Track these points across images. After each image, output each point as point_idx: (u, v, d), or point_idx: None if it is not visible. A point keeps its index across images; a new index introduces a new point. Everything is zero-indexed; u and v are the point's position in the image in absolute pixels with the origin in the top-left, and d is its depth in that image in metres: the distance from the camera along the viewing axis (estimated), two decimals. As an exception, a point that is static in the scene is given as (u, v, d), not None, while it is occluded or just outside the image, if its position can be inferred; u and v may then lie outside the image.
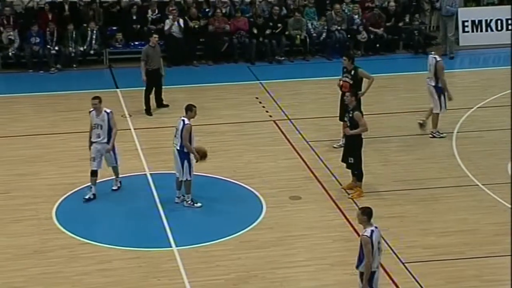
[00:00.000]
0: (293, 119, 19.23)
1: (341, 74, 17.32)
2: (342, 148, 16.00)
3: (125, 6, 24.33)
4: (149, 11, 24.12)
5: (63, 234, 14.15)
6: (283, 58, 24.05)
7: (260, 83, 22.05)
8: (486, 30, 25.66)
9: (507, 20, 25.31)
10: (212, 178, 16.00)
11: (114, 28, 24.15)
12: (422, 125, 18.12)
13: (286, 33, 24.11)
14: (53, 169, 16.69)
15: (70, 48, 23.31)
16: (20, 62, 23.33)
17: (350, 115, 15.18)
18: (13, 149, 17.80)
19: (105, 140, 15.07)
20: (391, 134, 18.38)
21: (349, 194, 15.40)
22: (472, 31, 25.64)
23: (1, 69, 23.38)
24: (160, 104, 20.07)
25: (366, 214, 11.02)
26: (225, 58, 23.97)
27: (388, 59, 24.30)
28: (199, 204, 15.02)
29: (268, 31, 23.88)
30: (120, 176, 15.76)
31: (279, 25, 24.11)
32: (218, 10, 24.02)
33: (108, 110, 15.20)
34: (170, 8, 23.76)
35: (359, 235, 11.48)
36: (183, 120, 14.72)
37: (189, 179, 14.83)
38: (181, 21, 23.47)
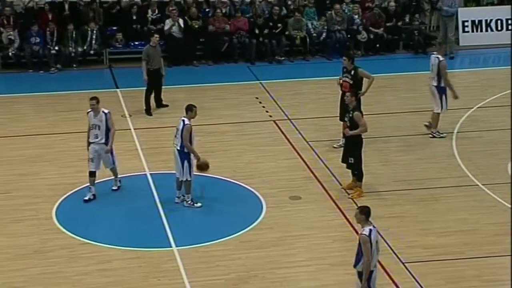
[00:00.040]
0: (293, 119, 19.23)
1: (341, 74, 17.32)
2: (342, 148, 16.00)
3: (125, 6, 24.34)
4: (149, 11, 24.13)
5: (63, 234, 14.15)
6: (283, 58, 24.05)
7: (260, 83, 22.05)
8: (486, 30, 25.67)
9: (507, 20, 25.31)
10: (212, 178, 15.99)
11: (114, 28, 24.16)
12: (428, 127, 18.11)
13: (286, 33, 24.12)
14: (53, 169, 16.69)
15: (70, 48, 23.32)
16: (20, 62, 23.33)
17: (350, 115, 15.18)
18: (13, 149, 17.80)
19: (103, 141, 15.05)
20: (391, 134, 18.38)
21: (349, 194, 15.40)
22: (472, 31, 25.65)
23: (1, 69, 23.39)
24: (159, 104, 20.07)
25: (364, 213, 11.04)
26: (225, 58, 23.97)
27: (388, 59, 24.31)
28: (199, 204, 15.02)
29: (266, 31, 23.84)
30: (120, 176, 15.76)
31: (279, 25, 24.12)
32: (218, 10, 24.02)
33: (106, 111, 15.17)
34: (170, 8, 23.77)
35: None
36: (183, 120, 14.72)
37: (189, 179, 14.83)
38: (181, 21, 23.47)
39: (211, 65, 23.77)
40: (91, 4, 24.19)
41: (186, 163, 14.70)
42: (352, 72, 17.05)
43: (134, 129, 18.79)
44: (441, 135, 18.06)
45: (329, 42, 24.37)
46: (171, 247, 13.68)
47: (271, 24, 24.10)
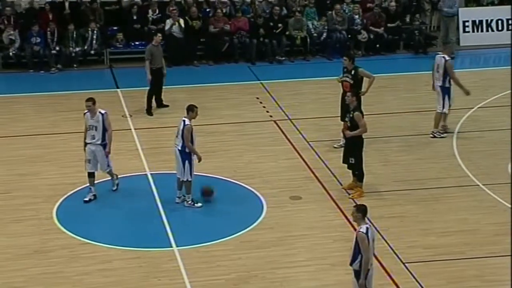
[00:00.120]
0: (294, 119, 19.23)
1: (341, 74, 17.32)
2: (343, 148, 15.99)
3: (125, 6, 24.35)
4: (150, 11, 24.13)
5: (63, 234, 14.15)
6: (283, 58, 24.05)
7: (261, 83, 22.05)
8: (487, 30, 25.67)
9: (507, 20, 25.32)
10: (213, 178, 15.99)
11: (115, 28, 24.16)
12: (445, 129, 18.13)
13: (287, 33, 24.12)
14: (54, 169, 16.69)
15: (71, 48, 23.33)
16: (21, 62, 23.33)
17: (351, 115, 15.17)
18: (13, 149, 17.80)
19: (99, 142, 15.00)
20: (392, 134, 18.38)
21: (349, 194, 15.40)
22: (473, 31, 25.65)
23: (1, 69, 23.39)
24: (160, 104, 20.07)
25: (361, 211, 11.06)
26: (226, 58, 23.98)
27: (388, 59, 24.30)
28: (199, 204, 15.03)
29: (262, 31, 23.79)
30: (121, 176, 15.76)
31: (280, 25, 24.12)
32: (219, 10, 24.02)
33: (103, 111, 15.11)
34: (171, 8, 23.77)
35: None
36: (184, 121, 14.73)
37: (189, 179, 14.83)
38: (181, 21, 23.48)
39: (212, 65, 23.78)
40: (92, 4, 24.18)
41: (187, 163, 14.70)
42: (353, 72, 17.05)
43: (135, 129, 18.79)
44: (442, 135, 18.06)
45: (330, 42, 24.37)
46: (171, 247, 13.68)
47: (271, 24, 24.10)
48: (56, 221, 14.59)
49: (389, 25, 24.80)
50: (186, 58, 23.64)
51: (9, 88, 22.14)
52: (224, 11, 24.32)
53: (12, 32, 23.17)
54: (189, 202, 15.00)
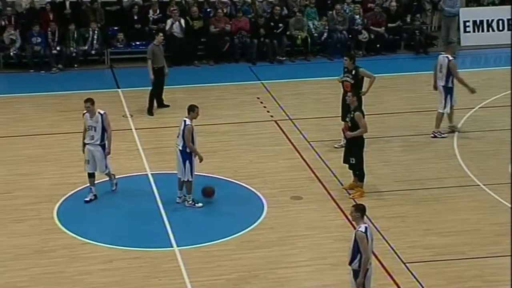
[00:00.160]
0: (294, 119, 19.23)
1: (342, 74, 17.31)
2: (343, 149, 15.99)
3: (126, 6, 24.35)
4: (150, 11, 24.14)
5: (64, 234, 14.15)
6: (284, 58, 24.06)
7: (261, 83, 22.05)
8: (488, 30, 25.67)
9: (508, 20, 25.31)
10: (213, 178, 15.99)
11: (116, 28, 24.16)
12: (453, 129, 18.13)
13: (288, 33, 24.12)
14: (55, 169, 16.69)
15: (72, 48, 23.33)
16: (22, 62, 23.33)
17: (351, 115, 15.17)
18: (14, 149, 17.80)
19: (98, 142, 14.98)
20: (393, 134, 18.38)
21: (350, 194, 15.39)
22: (474, 31, 25.65)
23: (2, 69, 23.40)
24: (161, 104, 20.07)
25: (360, 210, 11.06)
26: (226, 58, 23.97)
27: (389, 59, 24.30)
28: (200, 204, 15.03)
29: (262, 31, 23.80)
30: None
31: (280, 25, 24.12)
32: (220, 11, 24.02)
33: (102, 112, 15.08)
34: (171, 8, 23.78)
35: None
36: (185, 121, 14.73)
37: (190, 179, 14.83)
38: (182, 21, 23.49)
39: (212, 65, 23.78)
40: (93, 4, 24.18)
41: (187, 163, 14.71)
42: (353, 72, 17.04)
43: (135, 129, 18.79)
44: (443, 135, 18.06)
45: (330, 42, 24.38)
46: (172, 247, 13.68)
47: (272, 24, 24.10)
48: (57, 221, 14.59)
49: (389, 25, 24.80)
50: (186, 58, 23.63)
51: (10, 88, 22.14)
52: (225, 11, 24.32)
53: (13, 32, 23.17)
54: (190, 202, 15.00)
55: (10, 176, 16.49)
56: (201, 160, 14.84)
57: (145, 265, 13.17)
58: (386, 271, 12.86)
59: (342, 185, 15.77)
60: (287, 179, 16.15)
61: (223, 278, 12.77)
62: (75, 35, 23.36)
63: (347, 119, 15.41)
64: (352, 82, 16.96)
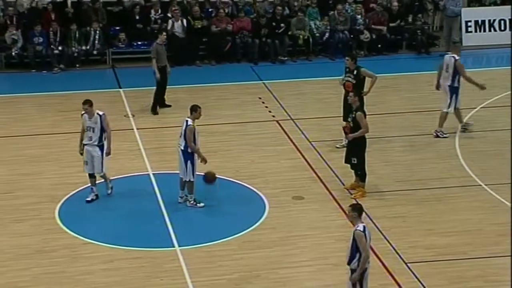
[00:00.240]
0: (296, 119, 19.22)
1: (343, 74, 17.31)
2: (345, 149, 15.98)
3: (128, 6, 24.36)
4: (152, 11, 24.15)
5: (65, 234, 14.15)
6: (286, 58, 24.06)
7: (263, 83, 22.05)
8: (490, 30, 25.66)
9: (510, 20, 25.28)
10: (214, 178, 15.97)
11: (117, 28, 24.16)
12: (465, 128, 18.14)
13: (289, 33, 24.12)
14: (56, 169, 16.69)
15: (73, 48, 23.34)
16: (23, 62, 23.35)
17: (353, 115, 15.16)
18: (15, 149, 17.81)
19: (96, 143, 14.95)
20: (394, 134, 18.37)
21: (351, 194, 15.38)
22: (475, 31, 25.64)
23: (4, 69, 23.41)
24: (162, 104, 20.06)
25: (357, 210, 11.05)
26: (228, 58, 23.98)
27: (391, 59, 24.29)
28: (201, 204, 15.02)
29: (264, 30, 23.79)
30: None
31: (282, 25, 24.11)
32: (221, 11, 24.02)
33: (101, 113, 15.01)
34: (173, 8, 23.78)
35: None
36: (187, 121, 14.73)
37: (192, 179, 14.83)
38: (183, 21, 23.49)
39: (214, 65, 23.78)
40: (94, 4, 24.19)
41: (189, 163, 14.70)
42: (355, 72, 17.03)
43: (137, 129, 18.79)
44: (444, 135, 18.05)
45: (332, 42, 24.37)
46: (173, 247, 13.68)
47: (274, 24, 24.10)
48: (58, 221, 14.59)
49: (391, 24, 24.80)
50: (188, 58, 23.63)
51: (12, 88, 22.15)
52: (226, 11, 24.32)
53: (14, 32, 23.19)
54: (192, 202, 15.00)
55: (11, 176, 16.49)
56: (204, 161, 14.78)
57: (146, 265, 13.17)
58: (388, 271, 12.85)
59: (343, 185, 15.77)
60: (288, 179, 16.15)
61: (225, 278, 12.76)
62: (77, 35, 23.38)
63: (349, 119, 15.40)
64: (354, 82, 16.96)
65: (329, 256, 13.30)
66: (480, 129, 18.50)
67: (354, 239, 10.87)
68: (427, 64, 22.51)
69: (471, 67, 23.78)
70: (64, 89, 21.47)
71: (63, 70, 23.18)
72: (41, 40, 23.12)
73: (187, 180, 14.83)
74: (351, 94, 15.61)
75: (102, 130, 14.92)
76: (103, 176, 15.29)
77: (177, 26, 23.40)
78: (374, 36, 24.54)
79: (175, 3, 24.13)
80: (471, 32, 25.56)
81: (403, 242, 13.73)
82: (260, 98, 20.81)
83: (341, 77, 17.37)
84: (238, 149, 17.67)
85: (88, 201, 15.16)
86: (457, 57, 17.92)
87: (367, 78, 17.22)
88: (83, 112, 15.02)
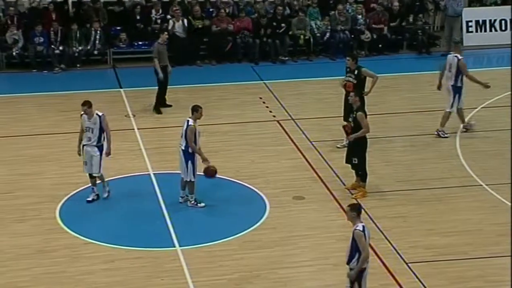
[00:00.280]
0: (297, 119, 19.22)
1: (344, 74, 17.31)
2: (346, 149, 15.97)
3: (129, 6, 24.36)
4: (153, 11, 24.15)
5: (66, 234, 14.16)
6: (286, 58, 24.06)
7: (264, 83, 22.05)
8: (490, 30, 25.65)
9: (511, 20, 25.28)
10: (216, 178, 15.95)
11: (118, 28, 24.17)
12: (467, 128, 18.16)
13: (290, 33, 24.12)
14: (57, 169, 16.69)
15: (74, 48, 23.35)
16: (24, 62, 23.36)
17: (354, 115, 15.16)
18: (16, 149, 17.81)
19: (95, 143, 14.94)
20: (395, 134, 18.37)
21: (352, 194, 15.38)
22: (476, 31, 25.64)
23: (5, 69, 23.42)
24: (163, 104, 20.06)
25: (355, 210, 11.07)
26: (229, 58, 23.98)
27: (391, 59, 24.29)
28: (202, 204, 15.02)
29: (268, 31, 23.85)
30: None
31: (283, 25, 24.12)
32: (222, 10, 24.03)
33: (100, 113, 14.98)
34: (174, 8, 23.78)
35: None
36: (188, 121, 14.73)
37: (192, 180, 14.83)
38: (184, 20, 23.49)
39: (215, 65, 23.79)
40: (95, 4, 24.19)
41: (190, 163, 14.70)
42: (356, 72, 17.04)
43: (138, 129, 18.79)
44: (445, 135, 18.05)
45: (333, 42, 24.37)
46: (174, 247, 13.68)
47: (274, 24, 24.10)
48: (59, 221, 14.59)
49: (391, 24, 24.80)
50: (189, 58, 23.64)
51: (12, 88, 22.15)
52: (227, 11, 24.32)
53: (15, 32, 23.21)
54: (192, 202, 15.00)
55: (11, 176, 16.50)
56: (206, 161, 14.76)
57: (147, 265, 13.17)
58: (388, 271, 12.85)
59: (344, 185, 15.76)
60: (289, 179, 16.15)
61: (225, 278, 12.76)
62: (78, 35, 23.39)
63: (350, 119, 15.40)
64: (355, 82, 16.96)
65: (330, 256, 13.29)
66: (481, 129, 18.50)
67: (353, 239, 10.88)
68: (428, 64, 22.51)
69: (471, 67, 23.63)
70: (65, 89, 21.48)
71: (64, 70, 23.19)
72: (42, 40, 23.14)
73: (188, 180, 14.84)
74: (352, 94, 15.61)
75: (101, 130, 14.91)
76: (100, 177, 15.23)
77: (178, 26, 23.41)
78: (375, 36, 24.54)
79: (176, 3, 24.13)
80: (471, 32, 25.56)
81: (403, 242, 13.73)
82: (260, 98, 20.82)
83: (340, 80, 17.36)
84: (238, 149, 17.67)
85: (88, 201, 15.17)
86: (460, 57, 17.93)
87: (368, 78, 17.22)
88: (82, 112, 15.01)
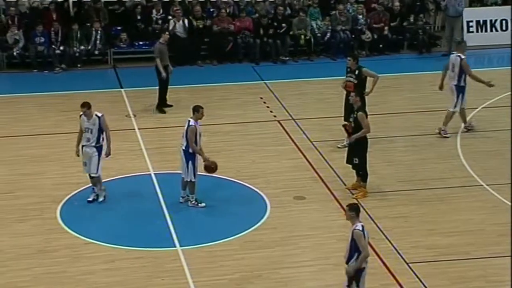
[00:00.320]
0: (298, 119, 19.22)
1: (345, 74, 17.31)
2: (347, 149, 15.96)
3: (129, 6, 24.36)
4: (154, 11, 24.14)
5: (67, 234, 14.15)
6: (287, 58, 24.05)
7: (265, 83, 22.05)
8: (491, 30, 25.64)
9: (511, 20, 25.27)
10: (216, 178, 15.97)
11: (119, 28, 24.16)
12: (468, 128, 18.15)
13: (291, 33, 24.12)
14: (57, 169, 16.69)
15: (75, 48, 23.34)
16: (25, 62, 23.34)
17: (355, 115, 15.15)
18: (17, 148, 17.81)
19: (94, 144, 14.90)
20: (396, 134, 18.37)
21: (353, 194, 15.37)
22: (477, 31, 25.63)
23: (6, 69, 23.41)
24: (164, 103, 20.05)
25: (354, 210, 11.08)
26: (230, 58, 23.97)
27: (392, 59, 24.28)
28: (203, 204, 15.02)
29: (270, 31, 23.87)
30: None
31: (284, 25, 24.11)
32: (223, 10, 24.03)
33: (100, 114, 14.94)
34: (175, 8, 23.78)
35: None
36: (189, 121, 14.73)
37: (193, 180, 14.82)
38: (185, 20, 23.49)
39: (216, 65, 23.78)
40: (96, 4, 24.19)
41: (190, 163, 14.70)
42: (356, 72, 17.03)
43: (138, 129, 18.78)
44: (446, 135, 18.03)
45: (334, 42, 24.36)
46: (175, 247, 13.67)
47: (275, 24, 24.09)
48: (60, 221, 14.59)
49: (392, 24, 24.79)
50: (190, 58, 23.62)
51: (13, 88, 22.15)
52: (228, 11, 24.32)
53: (16, 32, 23.19)
54: (193, 202, 15.00)
55: (12, 176, 16.49)
56: (208, 161, 14.76)
57: (148, 265, 13.17)
58: (389, 271, 12.84)
59: (345, 185, 15.76)
60: (290, 179, 16.14)
61: (226, 278, 12.76)
62: (78, 35, 23.37)
63: (351, 119, 15.39)
64: (356, 82, 16.96)
65: (331, 256, 13.29)
66: (481, 129, 18.50)
67: (353, 239, 10.89)
68: (429, 64, 22.51)
69: (472, 67, 23.51)
70: (66, 89, 21.46)
71: (65, 70, 23.18)
72: (42, 40, 23.12)
73: (189, 180, 14.83)
74: (352, 94, 15.61)
75: (100, 131, 14.88)
76: (98, 180, 15.11)
77: (179, 26, 23.40)
78: (375, 36, 24.52)
79: (176, 3, 24.13)
80: (472, 32, 25.54)
81: (405, 242, 13.72)
82: (261, 98, 20.81)
83: (343, 80, 17.36)
84: (239, 149, 17.66)
85: (89, 201, 15.16)
86: (463, 56, 17.94)
87: (368, 78, 17.22)
88: (81, 113, 14.99)
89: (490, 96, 20.03)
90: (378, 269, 12.75)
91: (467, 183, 15.94)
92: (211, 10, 24.46)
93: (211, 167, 14.92)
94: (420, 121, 19.03)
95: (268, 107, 20.19)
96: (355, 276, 10.99)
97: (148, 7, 24.39)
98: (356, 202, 11.49)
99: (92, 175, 15.04)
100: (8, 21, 23.51)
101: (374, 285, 12.11)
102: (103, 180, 15.38)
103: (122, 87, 21.80)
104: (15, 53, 23.19)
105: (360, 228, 10.91)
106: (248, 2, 24.91)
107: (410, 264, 13.05)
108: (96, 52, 23.61)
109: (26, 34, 23.36)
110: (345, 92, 17.17)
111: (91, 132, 14.88)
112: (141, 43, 23.80)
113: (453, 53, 18.53)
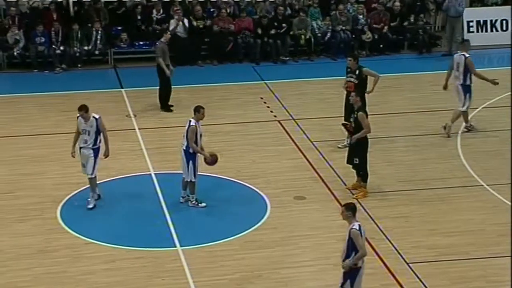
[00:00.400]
0: (298, 119, 19.22)
1: (345, 74, 17.30)
2: (347, 149, 15.96)
3: (129, 6, 24.36)
4: (154, 11, 24.14)
5: (67, 234, 14.15)
6: (287, 58, 24.05)
7: (265, 83, 22.05)
8: (491, 31, 25.64)
9: (512, 20, 25.32)
10: (217, 178, 15.98)
11: (119, 28, 24.17)
12: (470, 129, 18.19)
13: (291, 33, 24.12)
14: (58, 169, 16.68)
15: (75, 48, 23.34)
16: (25, 62, 23.35)
17: (355, 115, 15.15)
18: (17, 148, 17.81)
19: (91, 145, 14.87)
20: (397, 134, 18.36)
21: (353, 194, 15.37)
22: (477, 31, 25.62)
23: (6, 69, 23.41)
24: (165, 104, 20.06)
25: (351, 209, 11.08)
26: (230, 58, 23.97)
27: (393, 59, 24.28)
28: (203, 204, 15.02)
29: (272, 31, 23.89)
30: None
31: (284, 25, 24.11)
32: (223, 11, 24.03)
33: (97, 116, 14.89)
34: (175, 8, 23.78)
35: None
36: (190, 121, 14.73)
37: (193, 180, 14.82)
38: (185, 21, 23.49)
39: (216, 65, 23.78)
40: (96, 4, 24.19)
41: (191, 164, 14.70)
42: (357, 72, 17.03)
43: (139, 129, 18.78)
44: (448, 135, 18.02)
45: (334, 42, 24.36)
46: (175, 247, 13.67)
47: (275, 24, 24.10)
48: (60, 221, 14.59)
49: (392, 24, 24.79)
50: (190, 58, 23.63)
51: (14, 88, 22.15)
52: (228, 11, 24.32)
53: (16, 32, 23.19)
54: (193, 202, 15.00)
55: (12, 176, 16.49)
56: (205, 159, 14.77)
57: (148, 265, 13.17)
58: (390, 271, 12.84)
59: (345, 185, 15.76)
60: (290, 179, 16.14)
61: (226, 278, 12.76)
62: (79, 35, 23.37)
63: (351, 119, 15.39)
64: (356, 82, 16.96)
65: (331, 256, 13.27)
66: (482, 129, 18.50)
67: (350, 238, 10.90)
68: (429, 64, 22.51)
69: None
70: (66, 89, 21.47)
71: (65, 70, 23.18)
72: (43, 40, 23.13)
73: (189, 180, 14.83)
74: (353, 94, 15.61)
75: (98, 133, 14.83)
76: (93, 182, 14.98)
77: (179, 26, 23.39)
78: (376, 36, 24.52)
79: (177, 3, 24.13)
80: (473, 32, 25.54)
81: (405, 242, 13.72)
82: (262, 98, 20.81)
83: (344, 81, 17.35)
84: (240, 149, 17.66)
85: (90, 209, 15.08)
86: (467, 55, 17.95)
87: (369, 78, 17.22)
88: (78, 115, 14.96)
89: (490, 96, 20.04)
90: (378, 269, 12.75)
91: (467, 183, 15.94)
92: (212, 10, 24.46)
93: (213, 161, 14.91)
94: (420, 121, 19.03)
95: (268, 107, 20.19)
96: (350, 275, 10.98)
97: (148, 7, 24.40)
98: (353, 202, 11.41)
99: (88, 176, 15.01)
100: (8, 21, 23.51)
101: (374, 285, 12.11)
102: (103, 180, 15.40)
103: (122, 87, 21.80)
104: (15, 53, 23.20)
105: (357, 228, 10.92)
106: (248, 2, 24.93)
107: (410, 264, 13.05)
108: (97, 52, 23.61)
109: (27, 34, 23.37)
110: (345, 92, 17.16)
111: (89, 134, 14.85)
112: (141, 43, 23.81)
113: (456, 53, 18.52)
